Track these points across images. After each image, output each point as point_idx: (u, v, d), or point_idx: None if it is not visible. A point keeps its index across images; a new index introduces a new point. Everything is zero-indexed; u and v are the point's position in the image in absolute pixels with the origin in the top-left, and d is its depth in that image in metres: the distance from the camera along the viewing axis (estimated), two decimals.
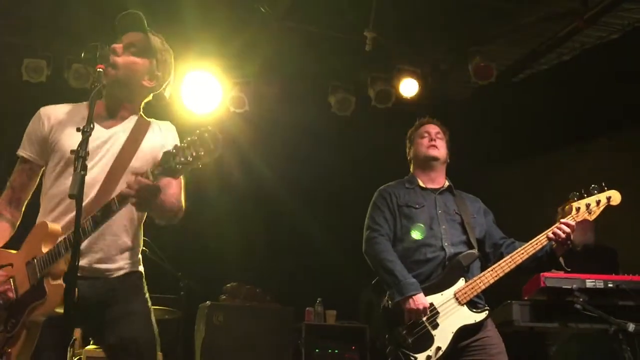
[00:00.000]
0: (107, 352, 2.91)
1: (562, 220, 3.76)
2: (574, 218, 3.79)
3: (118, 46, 2.98)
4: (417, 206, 3.99)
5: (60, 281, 2.69)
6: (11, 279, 2.82)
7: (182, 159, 2.54)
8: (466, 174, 4.46)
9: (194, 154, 2.53)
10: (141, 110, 3.16)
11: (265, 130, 7.45)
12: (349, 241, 7.06)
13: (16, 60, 6.70)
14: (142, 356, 2.88)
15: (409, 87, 7.21)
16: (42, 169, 3.05)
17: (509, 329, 4.45)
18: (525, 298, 4.62)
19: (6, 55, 6.72)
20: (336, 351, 6.65)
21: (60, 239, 2.74)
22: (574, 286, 4.35)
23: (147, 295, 3.03)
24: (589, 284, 4.42)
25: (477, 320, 3.69)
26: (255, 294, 6.70)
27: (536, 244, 3.76)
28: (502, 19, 6.52)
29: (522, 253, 3.76)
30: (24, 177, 3.03)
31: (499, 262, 3.76)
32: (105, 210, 2.69)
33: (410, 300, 3.65)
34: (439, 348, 3.60)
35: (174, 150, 2.57)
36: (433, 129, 4.18)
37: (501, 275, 3.73)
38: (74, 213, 2.49)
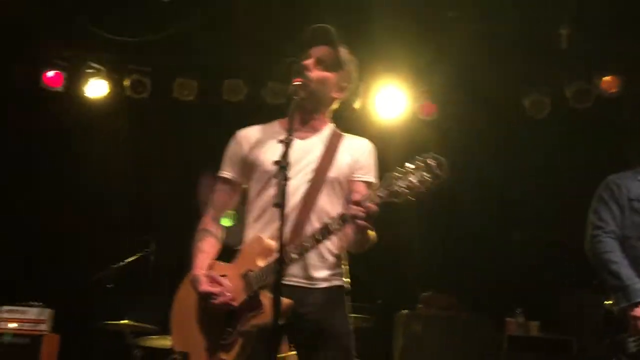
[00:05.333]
0: None
1: None
2: None
3: (309, 62, 3.07)
4: None
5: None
6: None
7: (408, 183, 2.61)
8: None
9: (419, 178, 2.59)
10: (330, 118, 3.24)
11: (454, 137, 7.32)
12: (550, 246, 6.77)
13: (217, 81, 7.17)
14: None
15: (608, 85, 6.77)
16: (242, 188, 3.21)
17: None
18: None
19: (207, 75, 7.19)
20: None
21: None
22: None
23: (348, 312, 3.05)
24: None
25: None
26: (452, 303, 6.57)
27: None
28: None
29: None
30: (225, 196, 3.21)
31: None
32: (327, 230, 2.80)
33: (638, 308, 3.36)
34: None
35: (398, 174, 2.64)
36: None
37: None
38: (277, 223, 2.56)
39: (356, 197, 2.75)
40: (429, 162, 2.60)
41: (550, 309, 6.60)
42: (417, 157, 2.64)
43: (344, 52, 3.16)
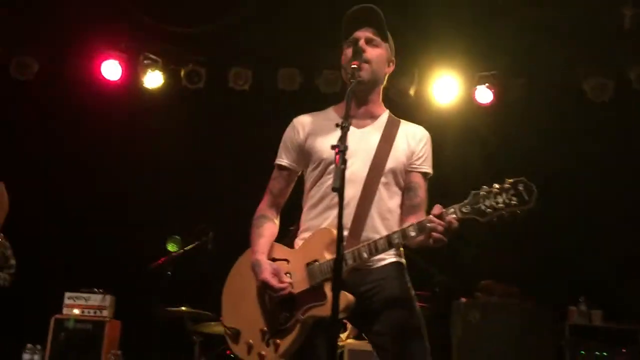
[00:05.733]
0: (373, 338, 2.95)
1: None
2: None
3: (362, 43, 3.02)
4: None
5: (342, 291, 2.73)
6: (288, 275, 2.97)
7: (494, 204, 2.59)
8: None
9: (506, 201, 2.57)
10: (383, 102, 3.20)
11: (511, 123, 7.19)
12: (612, 235, 6.59)
13: (272, 70, 7.17)
14: (410, 341, 2.88)
15: None
16: (298, 175, 3.21)
17: None
18: None
19: (262, 64, 7.21)
20: (604, 354, 6.19)
21: (349, 249, 2.82)
22: None
23: (409, 283, 3.02)
24: None
25: None
26: (512, 292, 6.46)
27: None
28: None
29: None
30: (282, 183, 3.20)
31: None
32: (403, 235, 2.77)
33: None
34: None
35: (484, 193, 2.62)
36: None
37: None
38: (336, 210, 2.52)
39: (437, 209, 2.70)
40: (518, 186, 2.57)
41: (614, 297, 6.45)
42: (506, 179, 2.61)
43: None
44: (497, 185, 2.62)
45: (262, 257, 3.02)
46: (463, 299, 6.34)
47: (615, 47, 6.68)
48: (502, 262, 6.86)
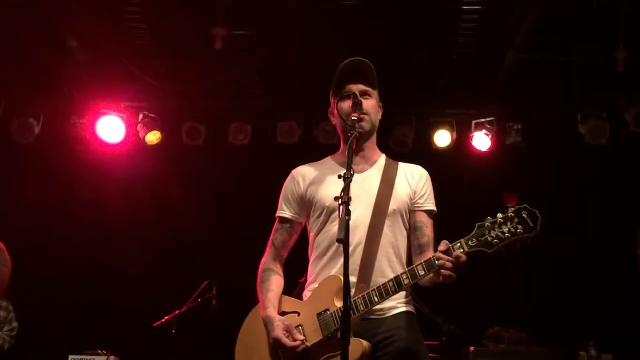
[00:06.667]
0: None
1: None
2: None
3: (357, 94, 3.05)
4: None
5: (357, 338, 2.72)
6: (300, 327, 2.94)
7: (500, 234, 2.58)
8: None
9: (511, 230, 2.56)
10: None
11: (510, 167, 7.22)
12: (619, 278, 6.55)
13: (271, 124, 7.22)
14: None
15: None
16: (301, 226, 3.21)
17: None
18: None
19: (261, 119, 7.26)
20: None
21: (359, 295, 2.80)
22: None
23: (420, 334, 3.00)
24: None
25: None
26: (520, 338, 6.37)
27: None
28: None
29: None
30: (284, 235, 3.20)
31: None
32: (412, 274, 2.76)
33: None
34: None
35: (489, 224, 2.62)
36: None
37: None
38: (342, 259, 2.52)
39: (443, 245, 2.69)
40: (522, 214, 2.57)
41: (623, 341, 6.37)
42: (510, 207, 2.61)
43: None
44: (500, 215, 2.62)
45: (272, 313, 2.99)
46: (471, 348, 6.25)
47: (610, 89, 6.75)
48: (510, 307, 6.81)
